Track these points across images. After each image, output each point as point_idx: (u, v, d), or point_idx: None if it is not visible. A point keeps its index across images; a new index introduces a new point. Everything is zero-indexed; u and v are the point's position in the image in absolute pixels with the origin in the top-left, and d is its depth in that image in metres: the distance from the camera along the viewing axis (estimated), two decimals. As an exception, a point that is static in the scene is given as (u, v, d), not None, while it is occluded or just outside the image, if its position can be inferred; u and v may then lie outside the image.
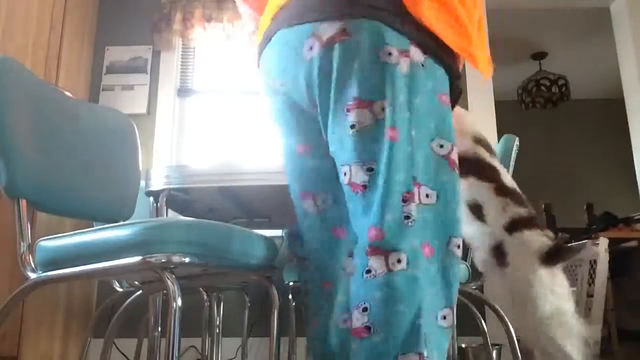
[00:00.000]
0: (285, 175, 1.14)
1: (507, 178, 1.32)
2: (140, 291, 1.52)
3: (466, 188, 1.33)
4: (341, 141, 0.92)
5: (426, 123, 0.92)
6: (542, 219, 4.04)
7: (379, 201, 0.87)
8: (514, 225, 1.24)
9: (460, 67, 1.03)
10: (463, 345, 2.48)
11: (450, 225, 0.90)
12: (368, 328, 0.83)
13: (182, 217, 1.40)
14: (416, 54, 0.92)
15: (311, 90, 0.95)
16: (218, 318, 2.33)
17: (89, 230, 1.06)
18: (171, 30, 2.97)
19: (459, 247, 0.90)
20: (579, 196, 5.25)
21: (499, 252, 1.26)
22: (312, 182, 1.08)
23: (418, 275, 0.84)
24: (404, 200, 0.87)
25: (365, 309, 0.84)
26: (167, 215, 1.61)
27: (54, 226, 2.37)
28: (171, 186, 1.57)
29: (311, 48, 0.93)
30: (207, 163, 1.59)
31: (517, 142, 1.84)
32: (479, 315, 2.09)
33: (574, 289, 3.16)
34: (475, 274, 1.81)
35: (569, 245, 1.22)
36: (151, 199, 1.61)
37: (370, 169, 0.89)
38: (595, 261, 3.06)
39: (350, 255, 1.06)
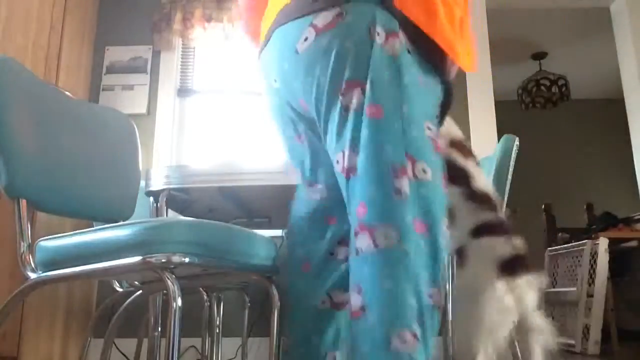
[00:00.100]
0: (287, 165, 1.15)
1: (481, 182, 1.30)
2: (140, 291, 1.52)
3: None
4: (333, 131, 0.93)
5: (419, 101, 0.91)
6: (542, 219, 4.04)
7: (365, 178, 0.86)
8: (478, 231, 1.23)
9: (452, 72, 1.03)
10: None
11: (442, 204, 0.89)
12: (363, 308, 0.83)
13: (182, 217, 1.40)
14: (404, 39, 0.92)
15: (308, 86, 0.95)
16: (218, 318, 2.33)
17: (89, 230, 1.06)
18: (171, 30, 2.97)
19: (447, 228, 0.90)
20: (579, 196, 5.25)
21: (460, 255, 1.26)
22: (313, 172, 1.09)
23: (409, 250, 0.83)
24: (395, 174, 0.86)
25: (359, 290, 0.84)
26: (167, 215, 1.61)
27: (54, 226, 2.37)
28: (171, 186, 1.57)
29: (306, 39, 0.93)
30: (207, 163, 1.59)
31: (517, 142, 1.83)
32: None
33: (574, 289, 3.16)
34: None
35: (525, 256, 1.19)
36: (151, 199, 1.61)
37: (355, 149, 0.88)
38: (595, 261, 3.06)
39: (341, 242, 1.06)
